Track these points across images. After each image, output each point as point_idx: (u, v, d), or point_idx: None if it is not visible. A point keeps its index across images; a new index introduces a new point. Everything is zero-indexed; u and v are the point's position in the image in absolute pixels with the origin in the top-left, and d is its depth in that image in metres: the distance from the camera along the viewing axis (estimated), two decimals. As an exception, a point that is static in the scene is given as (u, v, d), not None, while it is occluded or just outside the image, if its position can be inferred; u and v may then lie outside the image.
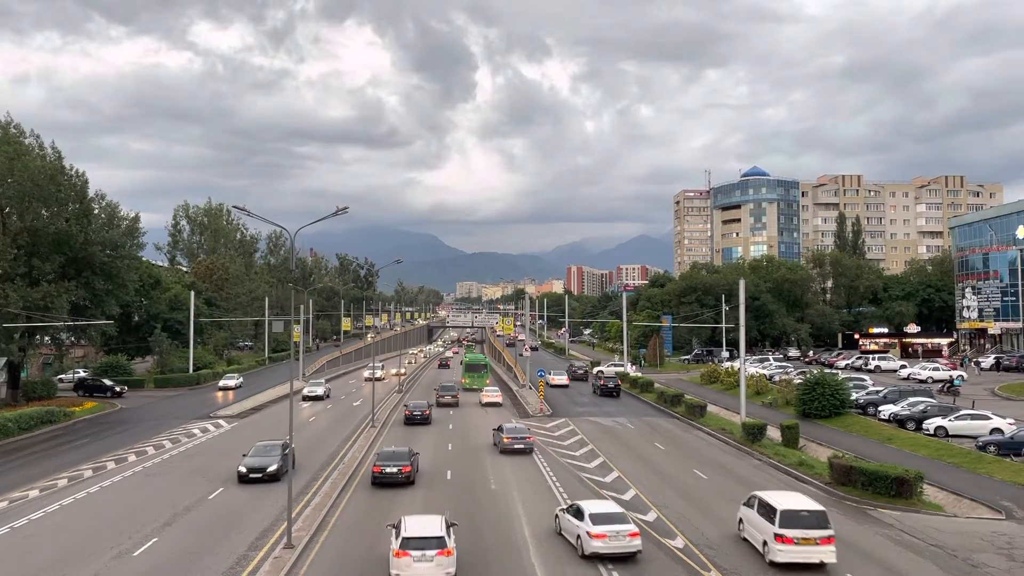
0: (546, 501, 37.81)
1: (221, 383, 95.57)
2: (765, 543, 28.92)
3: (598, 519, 28.02)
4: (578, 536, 28.60)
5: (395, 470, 41.12)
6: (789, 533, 27.37)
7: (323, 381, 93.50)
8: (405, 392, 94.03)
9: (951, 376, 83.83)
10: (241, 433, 59.95)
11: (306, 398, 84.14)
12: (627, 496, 38.93)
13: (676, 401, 72.68)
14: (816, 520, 28.35)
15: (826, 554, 28.46)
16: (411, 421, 65.72)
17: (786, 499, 31.21)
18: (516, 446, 50.64)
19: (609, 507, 30.61)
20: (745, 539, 31.98)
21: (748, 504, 31.90)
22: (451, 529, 26.84)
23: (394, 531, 26.33)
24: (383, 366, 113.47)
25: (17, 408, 64.76)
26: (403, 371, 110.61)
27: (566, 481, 42.62)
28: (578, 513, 29.43)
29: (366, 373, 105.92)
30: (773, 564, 28.29)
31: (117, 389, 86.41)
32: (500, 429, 53.21)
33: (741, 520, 32.65)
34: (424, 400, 72.62)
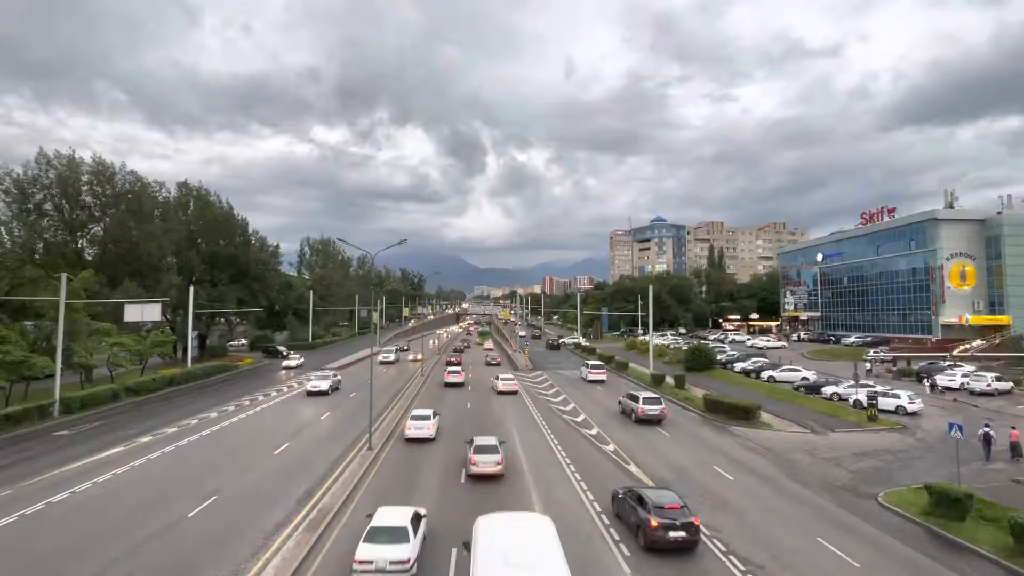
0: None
1: (284, 363, 69.48)
2: (583, 376, 57.30)
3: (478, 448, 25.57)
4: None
5: (456, 377, 54.17)
6: (593, 369, 57.05)
7: (331, 373, 51.95)
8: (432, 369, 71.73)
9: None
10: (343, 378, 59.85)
11: (310, 393, 47.49)
12: (579, 419, 38.99)
13: (609, 360, 72.59)
14: (603, 361, 59.44)
15: (604, 375, 57.54)
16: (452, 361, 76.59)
17: (593, 360, 61.98)
18: (500, 383, 52.48)
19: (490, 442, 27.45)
20: (581, 377, 58.44)
21: (583, 365, 60.16)
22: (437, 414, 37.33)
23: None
24: (404, 347, 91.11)
25: (204, 362, 64.95)
26: (420, 356, 74.21)
27: (537, 401, 43.47)
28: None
29: (380, 357, 75.20)
30: (585, 380, 56.23)
31: (284, 352, 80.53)
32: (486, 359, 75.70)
33: (581, 370, 59.47)
34: (463, 344, 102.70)
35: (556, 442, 32.04)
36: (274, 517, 20.40)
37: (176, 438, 32.34)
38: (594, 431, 35.05)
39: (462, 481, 24.77)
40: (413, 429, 31.23)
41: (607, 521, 20.49)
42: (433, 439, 31.46)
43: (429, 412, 32.62)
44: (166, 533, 18.90)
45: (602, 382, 56.12)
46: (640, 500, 19.22)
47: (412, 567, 15.57)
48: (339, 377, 52.52)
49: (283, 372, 65.33)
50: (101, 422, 37.08)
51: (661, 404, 38.23)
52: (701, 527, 18.75)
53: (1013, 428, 31.31)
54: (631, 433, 34.70)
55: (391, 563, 15.22)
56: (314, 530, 19.00)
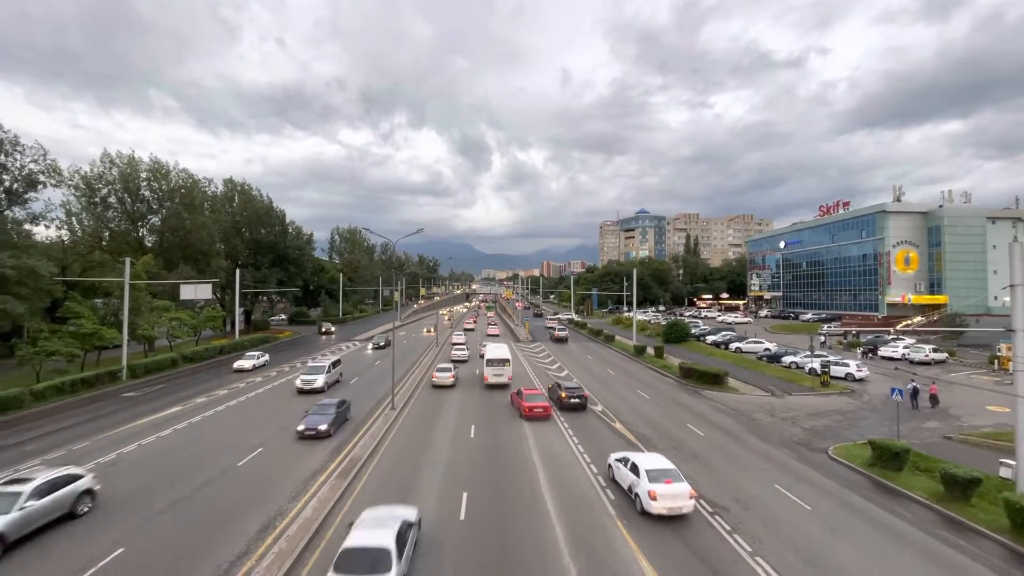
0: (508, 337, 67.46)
1: (236, 364, 43.41)
2: (545, 325, 71.04)
3: (491, 363, 37.06)
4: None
5: (471, 326, 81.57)
6: (548, 320, 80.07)
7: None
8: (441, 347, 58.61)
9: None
10: (368, 352, 59.81)
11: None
12: (572, 384, 39.01)
13: (598, 333, 72.77)
14: (564, 324, 68.92)
15: (563, 332, 66.85)
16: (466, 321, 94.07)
17: (553, 320, 75.62)
18: (490, 329, 73.62)
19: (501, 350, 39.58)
20: (544, 327, 74.78)
21: (552, 320, 77.31)
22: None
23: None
24: (381, 343, 57.39)
25: (250, 334, 65.32)
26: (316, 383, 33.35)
27: (533, 365, 43.59)
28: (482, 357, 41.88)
29: (299, 382, 34.24)
30: (546, 328, 72.40)
31: (330, 328, 75.85)
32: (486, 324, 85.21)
33: (548, 327, 71.64)
34: (476, 313, 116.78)
35: (522, 357, 51.47)
36: (311, 465, 20.71)
37: (227, 399, 32.71)
38: (543, 352, 56.35)
39: (479, 358, 47.97)
40: (439, 376, 36.46)
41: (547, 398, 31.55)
42: (466, 361, 48.86)
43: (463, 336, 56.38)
44: (221, 478, 19.21)
45: (561, 332, 75.02)
46: (558, 385, 31.73)
47: None
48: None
49: (233, 375, 41.82)
50: (163, 385, 37.51)
51: (565, 331, 69.37)
52: (589, 397, 32.83)
53: (933, 383, 34.03)
54: (555, 348, 59.51)
55: None
56: (344, 477, 19.30)
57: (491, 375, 36.16)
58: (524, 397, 28.72)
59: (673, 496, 16.09)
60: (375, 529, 12.12)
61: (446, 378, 35.85)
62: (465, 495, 17.60)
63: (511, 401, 31.25)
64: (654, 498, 16.10)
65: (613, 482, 18.90)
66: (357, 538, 11.74)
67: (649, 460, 17.70)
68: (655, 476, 16.60)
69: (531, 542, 14.51)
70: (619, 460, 18.96)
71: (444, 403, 31.67)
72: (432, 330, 75.93)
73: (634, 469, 17.50)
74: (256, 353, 46.93)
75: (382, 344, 59.15)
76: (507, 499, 17.37)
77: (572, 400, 29.69)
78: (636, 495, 16.94)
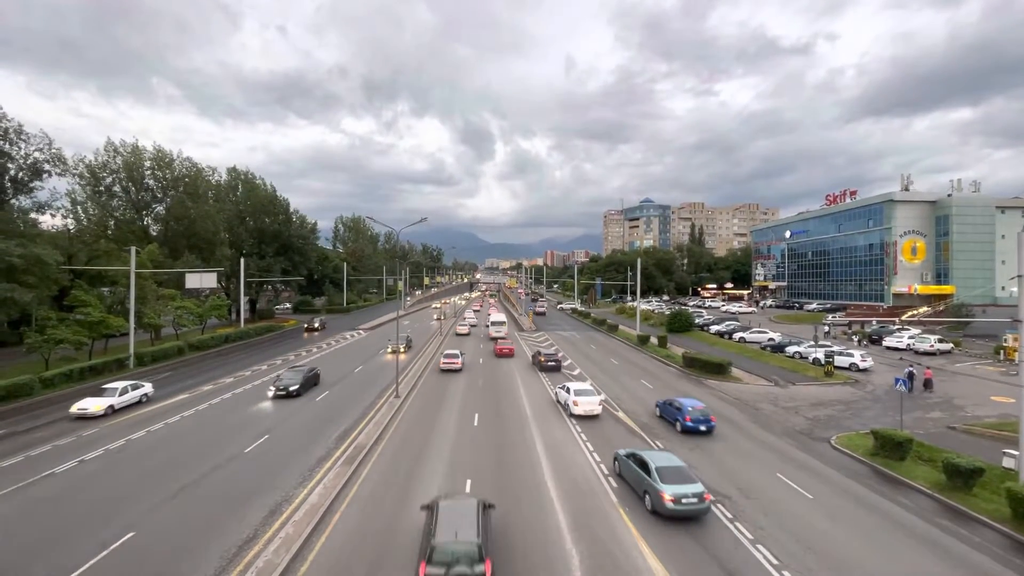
0: (509, 322, 74.86)
1: (77, 407, 25.15)
2: (533, 309, 77.41)
3: (493, 323, 58.51)
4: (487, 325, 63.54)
5: (477, 309, 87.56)
6: (537, 303, 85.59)
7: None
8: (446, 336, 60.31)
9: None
10: (372, 338, 60.27)
11: None
12: (575, 372, 39.24)
13: (602, 323, 72.68)
14: (544, 304, 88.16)
15: (542, 309, 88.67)
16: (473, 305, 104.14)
17: (542, 302, 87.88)
18: (491, 311, 78.45)
19: (501, 322, 59.47)
20: (533, 310, 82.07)
21: (541, 302, 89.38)
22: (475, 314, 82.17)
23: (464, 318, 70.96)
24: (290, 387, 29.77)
25: (255, 323, 65.69)
26: None
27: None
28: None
29: (90, 405, 25.37)
30: (536, 307, 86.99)
31: (313, 324, 67.55)
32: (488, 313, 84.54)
33: (530, 305, 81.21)
34: (481, 301, 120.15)
35: (525, 347, 50.43)
36: (316, 453, 20.95)
37: (233, 387, 33.04)
38: (547, 342, 57.71)
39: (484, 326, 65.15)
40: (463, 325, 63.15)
41: (531, 363, 42.63)
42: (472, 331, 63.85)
43: (472, 312, 74.51)
44: (230, 463, 19.48)
45: (540, 308, 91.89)
46: (539, 353, 41.19)
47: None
48: None
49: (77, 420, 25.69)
50: (170, 373, 37.91)
51: (544, 307, 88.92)
52: (563, 359, 42.88)
53: (928, 368, 35.16)
54: (560, 340, 59.19)
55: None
56: (350, 463, 19.54)
57: (493, 331, 57.32)
58: (497, 343, 47.33)
59: (588, 404, 26.24)
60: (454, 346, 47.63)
61: (464, 329, 62.35)
62: (481, 359, 43.66)
63: (492, 349, 47.79)
64: (576, 405, 26.26)
65: (557, 402, 29.33)
66: (447, 353, 39.80)
67: (577, 384, 28.04)
68: (579, 393, 26.94)
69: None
70: (560, 388, 29.23)
71: (463, 345, 53.36)
72: (403, 350, 47.49)
73: (567, 391, 27.87)
74: (120, 385, 27.73)
75: (294, 388, 29.91)
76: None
77: (549, 363, 39.53)
78: (566, 404, 27.38)
